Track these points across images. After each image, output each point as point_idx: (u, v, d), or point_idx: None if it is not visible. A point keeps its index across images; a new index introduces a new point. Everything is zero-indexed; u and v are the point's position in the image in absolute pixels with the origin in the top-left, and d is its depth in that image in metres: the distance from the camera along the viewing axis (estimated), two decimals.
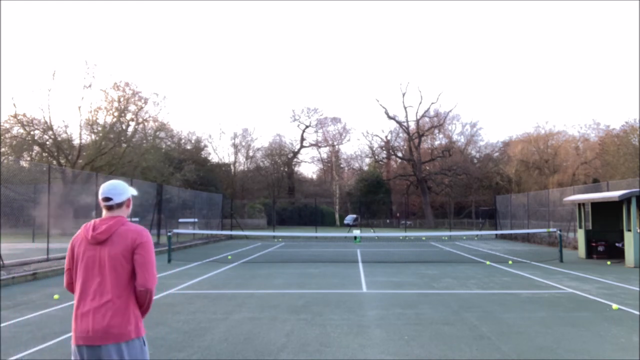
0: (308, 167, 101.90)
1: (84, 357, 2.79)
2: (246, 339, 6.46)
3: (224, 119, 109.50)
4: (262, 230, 42.93)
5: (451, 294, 9.97)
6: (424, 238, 31.52)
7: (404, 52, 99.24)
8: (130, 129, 40.55)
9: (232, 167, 66.94)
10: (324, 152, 74.20)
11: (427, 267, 15.06)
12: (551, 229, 19.43)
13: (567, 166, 52.16)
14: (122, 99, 38.46)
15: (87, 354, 2.77)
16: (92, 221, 2.96)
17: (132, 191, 3.10)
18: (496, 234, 32.48)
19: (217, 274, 13.55)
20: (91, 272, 2.84)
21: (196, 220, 30.25)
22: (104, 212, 2.99)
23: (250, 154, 69.76)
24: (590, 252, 17.67)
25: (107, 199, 2.96)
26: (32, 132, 34.81)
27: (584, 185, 27.45)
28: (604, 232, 17.86)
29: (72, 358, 2.84)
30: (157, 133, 45.28)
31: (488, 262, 16.31)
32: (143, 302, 2.93)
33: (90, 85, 36.14)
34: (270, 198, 55.33)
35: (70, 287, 3.00)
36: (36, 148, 36.17)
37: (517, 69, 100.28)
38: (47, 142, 35.35)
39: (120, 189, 3.00)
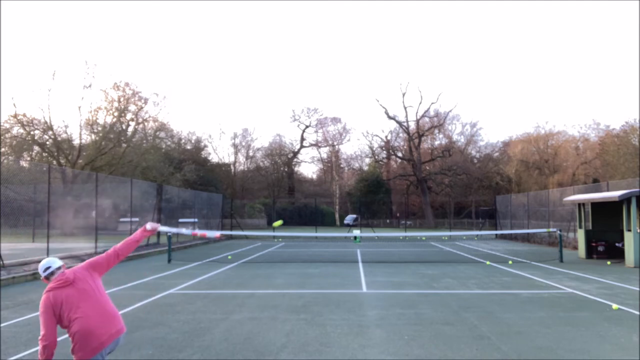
0: (308, 167, 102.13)
1: (110, 350, 3.56)
2: (246, 339, 6.46)
3: (224, 119, 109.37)
4: (262, 230, 42.93)
5: (451, 294, 9.97)
6: (423, 238, 31.51)
7: (404, 52, 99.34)
8: (130, 129, 40.55)
9: (232, 167, 66.93)
10: (324, 152, 74.28)
11: (427, 267, 15.05)
12: (551, 229, 19.43)
13: (567, 166, 52.15)
14: (122, 99, 38.47)
15: (109, 347, 3.55)
16: (49, 286, 3.58)
17: (61, 262, 3.78)
18: (496, 234, 32.48)
19: (217, 274, 13.55)
20: (82, 301, 3.51)
21: (196, 220, 30.24)
22: (49, 284, 3.61)
23: (250, 154, 69.79)
24: (590, 252, 17.67)
25: (47, 268, 3.67)
26: (32, 132, 34.80)
27: (584, 185, 27.44)
28: (604, 232, 17.86)
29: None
30: (157, 133, 45.27)
31: (488, 262, 16.31)
32: (132, 245, 4.03)
33: (90, 85, 36.17)
34: (270, 198, 55.33)
35: (52, 343, 3.49)
36: (36, 148, 36.16)
37: (517, 69, 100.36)
38: (47, 142, 35.34)
39: (53, 260, 3.74)
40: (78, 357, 3.44)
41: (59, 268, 3.70)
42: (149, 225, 4.09)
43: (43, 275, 3.67)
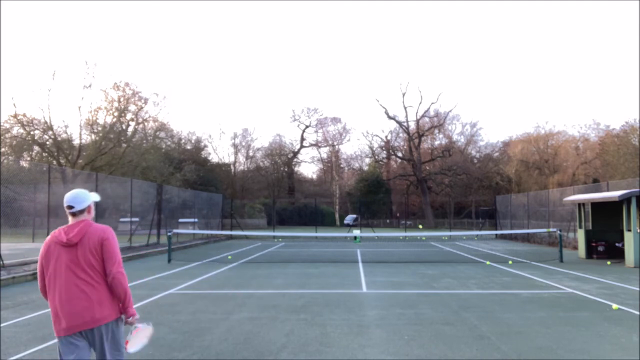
0: (308, 167, 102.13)
1: (77, 343, 3.22)
2: (246, 339, 6.46)
3: (224, 119, 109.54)
4: (262, 230, 42.92)
5: (451, 294, 9.97)
6: (423, 238, 31.51)
7: (404, 52, 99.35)
8: (130, 129, 40.52)
9: (232, 167, 66.92)
10: (324, 152, 74.31)
11: (427, 267, 15.05)
12: (551, 229, 19.42)
13: (567, 166, 52.15)
14: (122, 99, 38.44)
15: (81, 338, 3.23)
16: (61, 228, 3.34)
17: (94, 197, 3.45)
18: (496, 234, 32.47)
19: (217, 274, 13.55)
20: (70, 271, 3.22)
21: (196, 220, 30.24)
22: (70, 219, 3.37)
23: (250, 154, 69.82)
24: (590, 252, 17.67)
25: (69, 207, 3.35)
26: (32, 132, 34.77)
27: (584, 185, 27.44)
28: (604, 232, 17.85)
29: (63, 349, 3.23)
30: (157, 133, 45.25)
31: (488, 262, 16.31)
32: (118, 291, 3.33)
33: (90, 85, 36.12)
34: (270, 198, 55.32)
35: (44, 290, 3.36)
36: (36, 148, 36.12)
37: (517, 69, 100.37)
38: (47, 142, 35.32)
39: (81, 197, 3.38)
40: (54, 330, 3.25)
41: (82, 211, 3.36)
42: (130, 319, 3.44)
43: (66, 211, 3.36)
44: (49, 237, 3.35)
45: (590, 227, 18.22)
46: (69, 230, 3.29)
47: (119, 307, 3.38)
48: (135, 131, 40.98)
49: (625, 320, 7.48)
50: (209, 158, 62.72)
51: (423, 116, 62.61)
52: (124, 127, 39.54)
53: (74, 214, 3.35)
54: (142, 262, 16.79)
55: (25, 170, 26.78)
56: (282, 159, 71.28)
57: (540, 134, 55.47)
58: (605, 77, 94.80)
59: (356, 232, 31.09)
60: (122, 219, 26.92)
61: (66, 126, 37.13)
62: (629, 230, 14.98)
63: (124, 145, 37.97)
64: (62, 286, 3.20)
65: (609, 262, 16.03)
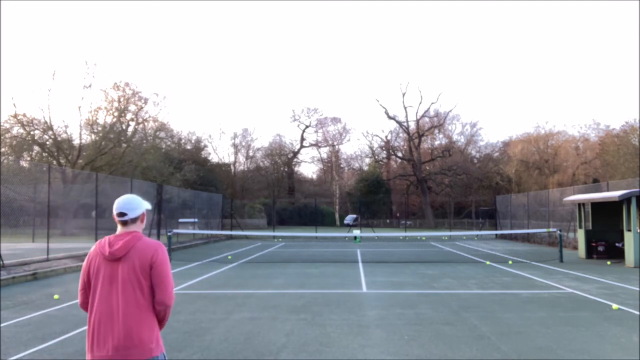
0: (308, 167, 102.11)
1: None
2: (246, 339, 6.46)
3: (224, 119, 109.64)
4: (262, 230, 42.92)
5: (451, 294, 9.97)
6: (423, 238, 31.50)
7: (404, 52, 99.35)
8: (130, 129, 40.55)
9: (232, 167, 66.92)
10: (324, 152, 74.30)
11: (427, 267, 15.05)
12: (551, 229, 19.43)
13: (567, 166, 52.15)
14: (122, 99, 38.48)
15: None
16: (107, 237, 2.93)
17: (146, 205, 3.05)
18: (496, 234, 32.46)
19: (217, 274, 13.55)
20: (109, 289, 2.80)
21: (196, 220, 30.23)
22: (119, 228, 2.95)
23: (250, 154, 69.81)
24: (590, 252, 17.67)
25: (121, 214, 2.92)
26: (32, 132, 34.80)
27: (584, 185, 27.44)
28: (604, 232, 17.85)
29: None
30: (157, 133, 45.29)
31: (488, 262, 16.31)
32: (162, 318, 2.94)
33: (90, 85, 36.17)
34: (270, 198, 55.32)
35: (85, 306, 2.95)
36: (36, 148, 36.16)
37: (517, 69, 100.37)
38: (47, 142, 35.35)
39: (135, 204, 2.95)
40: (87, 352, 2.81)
41: (134, 220, 2.94)
42: None
43: (116, 219, 2.95)
44: (94, 246, 2.95)
45: (590, 227, 18.21)
46: (114, 242, 2.86)
47: (160, 341, 2.89)
48: (135, 131, 41.01)
49: (625, 320, 7.49)
50: (209, 158, 62.78)
51: (423, 116, 62.65)
52: (124, 127, 39.57)
53: (124, 223, 2.91)
54: None
55: (25, 170, 26.81)
56: (282, 159, 71.27)
57: (540, 134, 55.48)
58: (605, 77, 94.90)
59: (356, 232, 31.09)
60: None
61: (66, 126, 37.21)
62: (629, 230, 14.97)
63: (124, 145, 38.00)
64: (98, 306, 2.79)
65: (609, 262, 16.03)
